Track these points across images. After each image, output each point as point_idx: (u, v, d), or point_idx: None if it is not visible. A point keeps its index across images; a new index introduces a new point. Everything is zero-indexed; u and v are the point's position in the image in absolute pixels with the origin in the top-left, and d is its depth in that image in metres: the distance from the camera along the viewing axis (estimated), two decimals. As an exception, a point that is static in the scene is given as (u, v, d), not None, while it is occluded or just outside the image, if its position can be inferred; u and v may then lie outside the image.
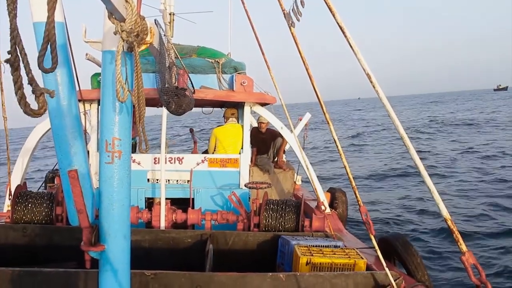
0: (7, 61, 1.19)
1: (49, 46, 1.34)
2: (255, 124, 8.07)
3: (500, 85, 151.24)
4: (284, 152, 7.85)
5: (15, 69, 1.20)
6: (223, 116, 7.11)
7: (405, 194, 14.30)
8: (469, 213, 11.12)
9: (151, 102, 4.32)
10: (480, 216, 10.81)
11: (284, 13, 3.06)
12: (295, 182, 7.77)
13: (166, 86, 3.61)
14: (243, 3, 4.85)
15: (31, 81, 1.22)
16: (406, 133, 2.36)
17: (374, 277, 3.47)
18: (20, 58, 1.20)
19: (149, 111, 7.22)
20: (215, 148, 6.72)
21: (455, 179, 15.30)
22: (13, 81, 1.20)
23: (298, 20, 2.87)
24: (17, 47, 1.19)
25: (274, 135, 7.55)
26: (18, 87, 1.20)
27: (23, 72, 1.23)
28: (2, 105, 4.88)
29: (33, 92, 1.23)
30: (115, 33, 1.85)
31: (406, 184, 15.76)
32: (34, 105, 1.25)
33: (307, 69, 3.18)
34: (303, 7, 2.69)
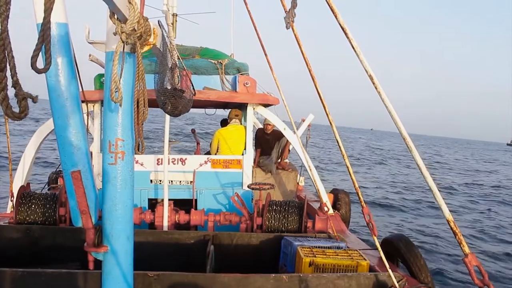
0: None
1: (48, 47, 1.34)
2: (259, 125, 8.06)
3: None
4: (289, 151, 7.84)
5: (0, 70, 1.20)
6: (228, 117, 7.11)
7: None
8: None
9: (154, 103, 4.32)
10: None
11: (286, 14, 3.06)
12: (298, 183, 7.76)
13: (164, 87, 3.60)
14: (245, 4, 4.85)
15: (15, 84, 1.22)
16: None
17: (377, 278, 3.46)
18: (7, 60, 1.20)
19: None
20: (217, 149, 6.72)
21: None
22: None
23: (292, 21, 2.90)
24: (5, 49, 1.19)
25: (279, 136, 7.55)
26: (2, 88, 1.21)
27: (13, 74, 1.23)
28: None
29: (16, 95, 1.23)
30: (114, 34, 1.85)
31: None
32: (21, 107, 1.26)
33: (309, 70, 3.17)
34: (294, 8, 2.73)
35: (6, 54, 1.19)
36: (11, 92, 1.24)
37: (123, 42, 1.85)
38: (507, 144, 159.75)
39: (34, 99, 1.29)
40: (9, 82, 1.23)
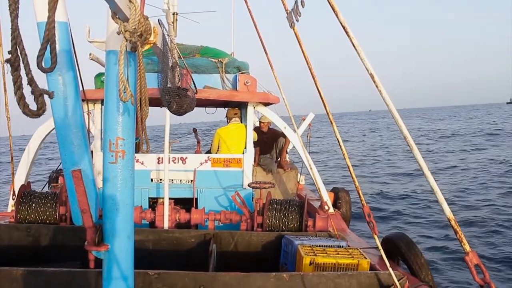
0: (7, 60, 1.20)
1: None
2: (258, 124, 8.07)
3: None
4: (286, 152, 7.85)
5: (15, 69, 1.20)
6: (226, 116, 7.11)
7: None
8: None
9: (155, 102, 4.31)
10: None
11: (286, 13, 3.06)
12: (298, 182, 7.77)
13: (168, 86, 3.59)
14: (246, 2, 4.84)
15: (31, 82, 1.22)
16: None
17: (378, 277, 3.46)
18: (21, 58, 1.20)
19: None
20: (218, 148, 6.72)
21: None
22: (12, 81, 1.21)
23: (297, 20, 2.89)
24: (17, 47, 1.19)
25: (276, 135, 7.55)
26: (18, 87, 1.20)
27: (23, 72, 1.23)
28: (6, 105, 4.89)
29: (32, 92, 1.23)
30: (118, 33, 1.85)
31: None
32: (33, 106, 1.25)
33: (310, 69, 3.17)
34: (303, 7, 2.71)
35: (19, 52, 1.19)
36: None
37: (127, 40, 1.85)
38: (507, 103, 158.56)
39: (51, 95, 1.29)
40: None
